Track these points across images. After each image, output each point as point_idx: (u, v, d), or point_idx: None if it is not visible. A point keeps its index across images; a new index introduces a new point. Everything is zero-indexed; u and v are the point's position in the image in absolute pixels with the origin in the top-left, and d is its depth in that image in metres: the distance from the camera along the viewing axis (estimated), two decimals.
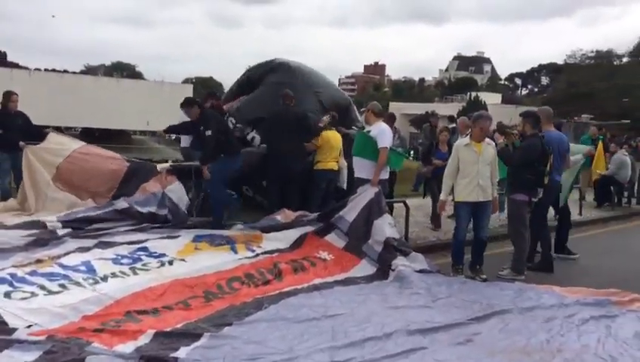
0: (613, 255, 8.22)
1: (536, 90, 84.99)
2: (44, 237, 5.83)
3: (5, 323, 4.05)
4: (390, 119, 8.84)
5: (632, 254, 8.36)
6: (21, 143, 7.58)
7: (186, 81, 69.06)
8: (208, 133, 7.09)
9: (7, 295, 4.52)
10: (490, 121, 6.60)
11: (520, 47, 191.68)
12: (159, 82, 55.31)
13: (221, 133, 7.29)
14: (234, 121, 8.54)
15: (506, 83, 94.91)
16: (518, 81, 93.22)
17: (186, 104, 7.49)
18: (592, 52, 50.11)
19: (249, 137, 8.51)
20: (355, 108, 9.98)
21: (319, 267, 6.18)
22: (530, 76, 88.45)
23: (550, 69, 75.17)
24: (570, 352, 4.22)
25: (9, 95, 8.29)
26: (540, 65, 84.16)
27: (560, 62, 61.22)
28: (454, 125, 10.80)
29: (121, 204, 6.77)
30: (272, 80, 8.86)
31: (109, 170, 7.36)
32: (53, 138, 7.83)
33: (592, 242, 9.30)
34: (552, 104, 46.16)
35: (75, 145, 7.59)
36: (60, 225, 6.11)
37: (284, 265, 6.01)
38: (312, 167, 8.15)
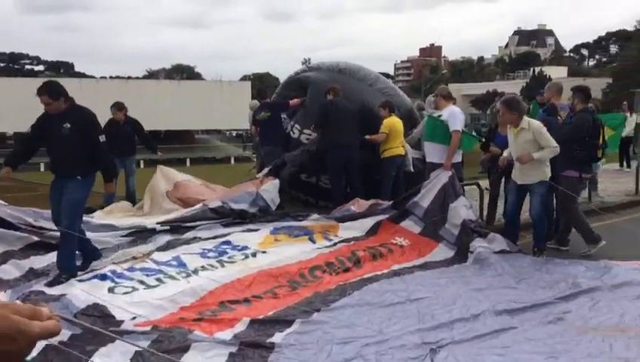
0: None
1: (604, 60, 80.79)
2: (140, 237, 6.21)
3: (112, 316, 4.39)
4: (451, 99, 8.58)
5: None
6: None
7: (244, 78, 70.39)
8: (102, 138, 5.41)
9: (110, 290, 4.87)
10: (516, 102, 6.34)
11: (584, 16, 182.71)
12: (218, 81, 56.70)
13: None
14: (292, 123, 8.66)
15: (572, 55, 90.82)
16: (585, 52, 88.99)
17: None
18: None
19: (303, 137, 8.54)
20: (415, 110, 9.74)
21: (396, 253, 6.26)
22: (598, 45, 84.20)
23: (619, 36, 71.25)
24: None
25: (113, 107, 8.86)
26: (607, 34, 80.00)
27: (630, 28, 58.02)
28: None
29: (215, 202, 7.08)
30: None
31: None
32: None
33: None
34: (624, 73, 43.71)
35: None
36: (158, 226, 6.49)
37: (362, 252, 6.13)
38: (379, 156, 8.12)
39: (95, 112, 8.87)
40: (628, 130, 12.77)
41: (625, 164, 13.39)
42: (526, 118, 6.23)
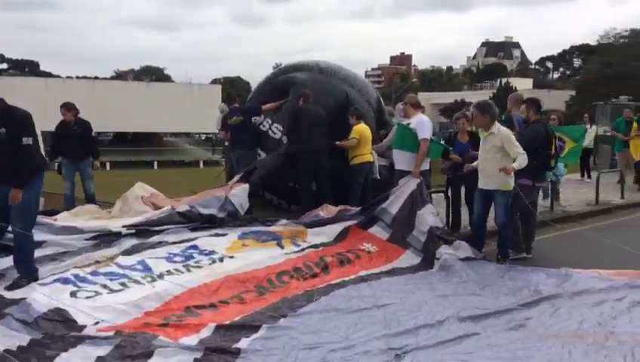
0: None
1: (568, 72, 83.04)
2: (104, 241, 6.10)
3: (74, 321, 4.30)
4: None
5: None
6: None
7: (215, 81, 69.91)
8: (28, 140, 5.00)
9: (73, 294, 4.76)
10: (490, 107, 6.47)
11: (550, 30, 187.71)
12: (188, 84, 56.20)
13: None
14: (270, 122, 8.68)
15: (537, 67, 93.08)
16: (550, 65, 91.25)
17: None
18: (627, 31, 48.76)
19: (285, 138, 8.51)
20: (382, 102, 9.94)
21: (364, 259, 6.30)
22: (562, 59, 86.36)
23: (583, 50, 73.26)
24: (623, 334, 4.24)
25: (63, 107, 8.57)
26: (571, 47, 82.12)
27: (593, 42, 59.83)
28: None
29: (183, 206, 6.99)
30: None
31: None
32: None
33: (636, 225, 9.17)
34: (587, 86, 45.01)
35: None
36: (124, 230, 6.36)
37: (330, 258, 6.15)
38: (348, 163, 8.17)
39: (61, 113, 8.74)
40: (588, 141, 13.17)
41: (586, 174, 13.78)
42: (497, 124, 6.37)
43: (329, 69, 9.14)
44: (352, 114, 8.13)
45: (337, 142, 8.05)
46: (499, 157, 6.20)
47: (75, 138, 8.43)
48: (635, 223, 9.38)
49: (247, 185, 7.60)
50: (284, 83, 8.94)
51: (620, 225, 8.94)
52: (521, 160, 6.16)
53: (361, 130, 8.07)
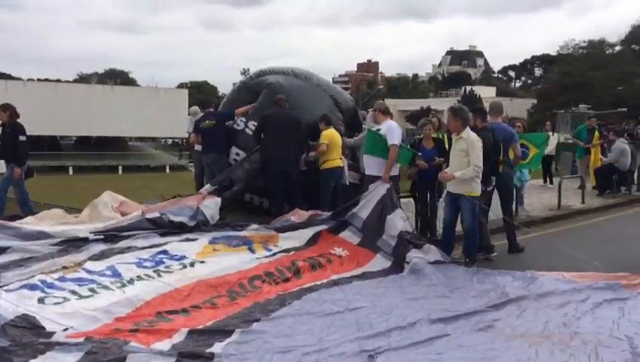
0: (617, 241, 8.40)
1: (530, 81, 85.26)
2: (71, 246, 5.97)
3: (43, 328, 4.20)
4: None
5: (635, 240, 8.54)
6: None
7: (181, 85, 69.20)
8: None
9: (40, 300, 4.66)
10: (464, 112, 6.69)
11: (512, 40, 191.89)
12: (154, 88, 55.42)
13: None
14: (245, 120, 8.64)
15: (500, 76, 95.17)
16: (512, 74, 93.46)
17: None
18: (585, 42, 50.38)
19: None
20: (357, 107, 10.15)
21: (335, 263, 6.35)
22: (524, 68, 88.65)
23: (543, 60, 75.40)
24: (587, 334, 4.39)
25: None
26: (532, 57, 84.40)
27: (553, 53, 61.56)
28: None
29: (153, 213, 6.89)
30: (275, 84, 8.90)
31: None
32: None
33: (596, 229, 9.50)
34: (547, 95, 46.25)
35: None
36: (91, 235, 6.24)
37: (302, 262, 6.17)
38: (317, 168, 8.21)
39: (21, 116, 8.53)
40: (550, 148, 13.58)
41: (548, 180, 14.19)
42: (467, 129, 6.54)
43: (302, 74, 9.23)
44: (320, 120, 8.21)
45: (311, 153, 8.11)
46: (466, 162, 6.35)
47: (4, 140, 8.32)
48: (594, 227, 9.71)
49: (219, 199, 7.52)
50: (258, 85, 8.97)
51: (580, 229, 9.24)
52: (468, 171, 6.33)
53: (330, 135, 8.13)
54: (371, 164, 7.33)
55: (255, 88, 8.99)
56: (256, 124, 8.37)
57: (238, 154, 8.57)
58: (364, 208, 6.90)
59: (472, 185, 6.45)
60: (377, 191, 6.94)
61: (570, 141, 15.50)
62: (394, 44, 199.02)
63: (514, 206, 9.95)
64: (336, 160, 8.20)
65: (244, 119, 8.66)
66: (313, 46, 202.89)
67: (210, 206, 7.32)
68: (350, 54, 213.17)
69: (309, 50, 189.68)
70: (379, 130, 7.30)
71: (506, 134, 7.50)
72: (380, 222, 6.73)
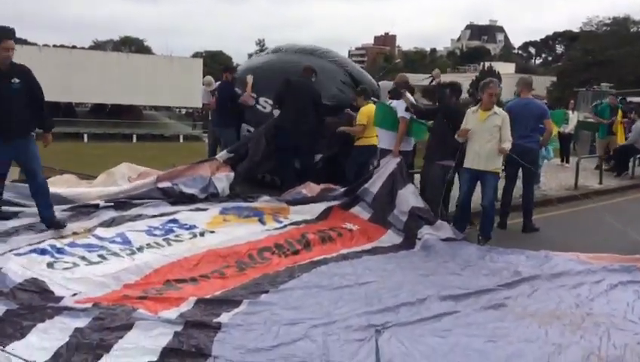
0: (635, 223, 8.23)
1: (550, 58, 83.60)
2: (82, 212, 5.98)
3: (52, 292, 4.22)
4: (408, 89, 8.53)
5: None
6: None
7: (196, 55, 68.76)
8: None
9: (50, 265, 4.68)
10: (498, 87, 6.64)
11: (534, 16, 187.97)
12: (168, 56, 55.09)
13: None
14: (256, 96, 8.51)
15: (520, 52, 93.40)
16: (532, 50, 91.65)
17: None
18: (609, 19, 49.08)
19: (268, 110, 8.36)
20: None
21: (346, 237, 6.29)
22: (545, 45, 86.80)
23: (565, 36, 73.65)
24: (600, 316, 4.31)
25: None
26: (554, 34, 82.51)
27: (576, 29, 60.10)
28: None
29: (165, 183, 6.86)
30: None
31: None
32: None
33: (614, 210, 9.31)
34: (568, 73, 45.26)
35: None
36: (102, 202, 6.25)
37: (312, 235, 6.13)
38: (352, 143, 7.81)
39: None
40: (570, 127, 13.30)
41: (565, 159, 13.94)
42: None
43: (317, 51, 8.93)
44: (359, 93, 7.77)
45: (343, 128, 7.71)
46: (497, 137, 6.30)
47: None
48: (613, 208, 9.53)
49: (232, 175, 7.44)
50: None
51: (598, 210, 9.05)
52: (509, 144, 6.32)
53: (369, 111, 7.54)
54: (383, 137, 7.20)
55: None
56: (268, 100, 8.20)
57: (248, 130, 8.45)
58: (375, 183, 6.81)
59: (499, 162, 6.38)
60: (388, 166, 6.85)
61: (590, 119, 15.13)
62: (412, 17, 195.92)
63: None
64: (373, 137, 7.61)
65: (255, 95, 8.42)
66: (328, 18, 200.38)
67: (223, 179, 7.28)
68: (367, 27, 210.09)
69: (324, 22, 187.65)
70: (391, 102, 7.14)
71: (541, 110, 7.35)
72: (390, 196, 6.64)
